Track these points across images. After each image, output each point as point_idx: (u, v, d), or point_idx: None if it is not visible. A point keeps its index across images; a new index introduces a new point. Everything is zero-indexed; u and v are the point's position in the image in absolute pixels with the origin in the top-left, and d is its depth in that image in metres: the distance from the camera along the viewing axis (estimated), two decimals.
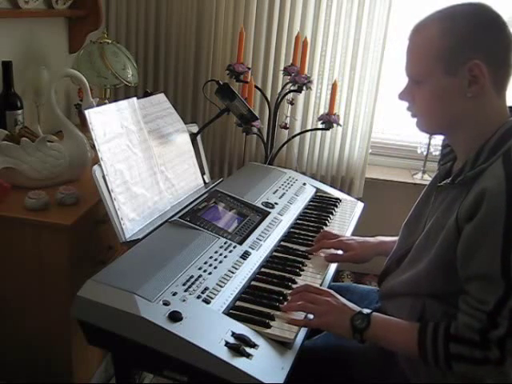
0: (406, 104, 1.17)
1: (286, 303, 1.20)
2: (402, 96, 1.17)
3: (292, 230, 1.62)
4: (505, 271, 0.96)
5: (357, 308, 1.14)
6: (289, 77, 2.29)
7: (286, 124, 2.41)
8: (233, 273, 1.28)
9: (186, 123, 1.80)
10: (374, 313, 1.12)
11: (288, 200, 1.76)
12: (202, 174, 1.80)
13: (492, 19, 1.06)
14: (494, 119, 1.09)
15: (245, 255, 1.37)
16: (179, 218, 1.45)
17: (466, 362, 1.00)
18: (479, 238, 1.00)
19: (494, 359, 0.97)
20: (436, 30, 1.06)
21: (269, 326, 1.11)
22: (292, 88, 2.30)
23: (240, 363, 0.99)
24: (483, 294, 0.99)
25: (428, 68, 1.08)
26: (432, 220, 1.15)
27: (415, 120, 1.17)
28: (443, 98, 1.09)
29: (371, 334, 1.10)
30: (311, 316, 1.17)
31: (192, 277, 1.20)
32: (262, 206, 1.65)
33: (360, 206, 1.87)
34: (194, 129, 1.84)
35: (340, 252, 1.48)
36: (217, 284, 1.21)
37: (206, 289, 1.18)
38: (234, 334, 1.06)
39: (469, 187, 1.05)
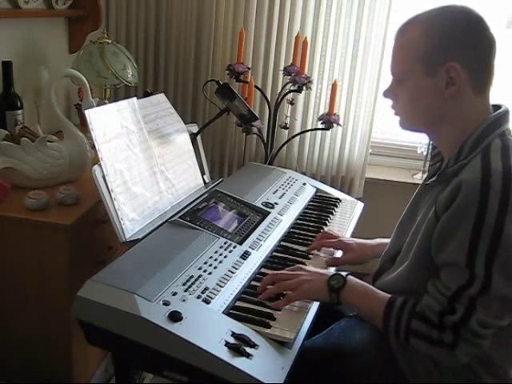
0: (390, 102, 1.21)
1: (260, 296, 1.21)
2: (386, 94, 1.20)
3: (292, 229, 1.62)
4: (469, 262, 1.00)
5: (332, 272, 1.18)
6: (289, 77, 2.29)
7: (286, 124, 2.41)
8: (233, 273, 1.28)
9: (185, 123, 1.79)
10: (351, 276, 1.16)
11: (288, 200, 1.76)
12: (202, 174, 1.80)
13: (472, 22, 1.08)
14: (473, 118, 1.11)
15: (245, 255, 1.37)
16: (179, 218, 1.45)
17: (422, 339, 1.04)
18: (452, 227, 1.04)
19: (448, 342, 1.01)
20: (418, 31, 1.10)
21: (269, 326, 1.11)
22: (292, 88, 2.30)
23: (240, 363, 0.99)
24: (448, 280, 1.04)
25: (409, 68, 1.11)
26: (419, 217, 1.19)
27: (398, 118, 1.20)
28: (422, 98, 1.12)
29: (346, 296, 1.14)
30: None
31: (192, 277, 1.20)
32: (262, 206, 1.65)
33: (360, 205, 1.88)
34: (194, 129, 1.84)
35: (339, 254, 1.49)
36: (217, 284, 1.21)
37: (206, 289, 1.18)
38: (233, 334, 1.06)
39: (449, 182, 1.08)
